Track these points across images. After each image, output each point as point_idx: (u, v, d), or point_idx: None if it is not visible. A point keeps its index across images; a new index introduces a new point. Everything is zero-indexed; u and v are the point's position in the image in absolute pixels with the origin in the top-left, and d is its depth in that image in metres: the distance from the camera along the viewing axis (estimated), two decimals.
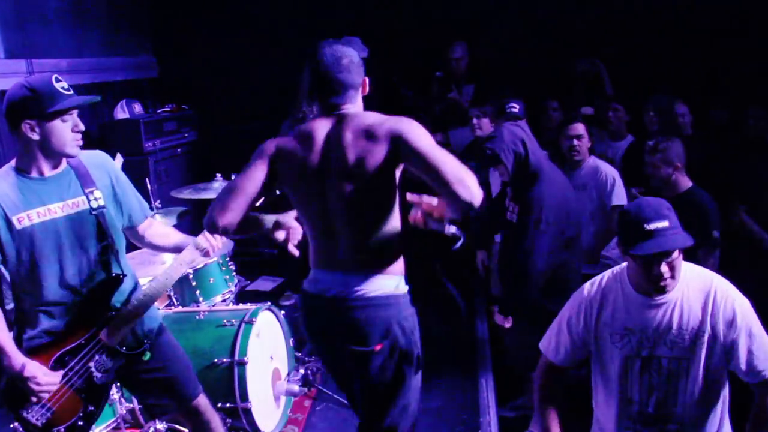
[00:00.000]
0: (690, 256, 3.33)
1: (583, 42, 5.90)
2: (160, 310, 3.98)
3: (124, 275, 2.69)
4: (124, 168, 3.05)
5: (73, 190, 2.57)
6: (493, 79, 5.81)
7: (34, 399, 2.48)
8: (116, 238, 2.68)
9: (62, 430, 2.55)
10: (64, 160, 2.58)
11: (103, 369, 2.62)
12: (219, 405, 3.51)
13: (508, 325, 3.66)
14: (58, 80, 2.47)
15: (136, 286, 2.81)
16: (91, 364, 2.60)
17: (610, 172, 4.30)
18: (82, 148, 2.59)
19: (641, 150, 4.01)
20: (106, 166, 2.73)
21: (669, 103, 4.65)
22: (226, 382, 3.54)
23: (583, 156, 4.29)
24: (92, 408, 2.62)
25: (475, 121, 4.90)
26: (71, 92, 2.48)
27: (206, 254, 2.81)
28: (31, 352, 2.52)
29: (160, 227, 2.99)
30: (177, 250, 2.87)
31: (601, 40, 5.86)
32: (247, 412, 3.56)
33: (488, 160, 3.59)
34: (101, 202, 2.61)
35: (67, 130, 2.47)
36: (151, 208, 4.19)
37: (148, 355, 2.75)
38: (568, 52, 5.85)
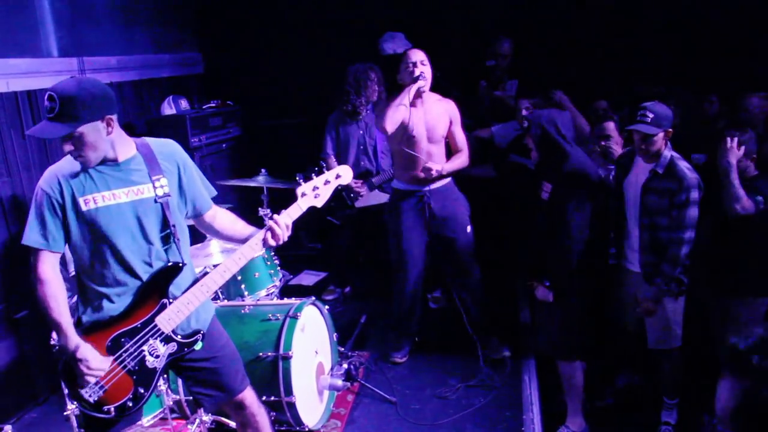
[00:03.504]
0: None
1: (628, 41, 5.81)
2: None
3: (184, 264, 2.73)
4: None
5: (140, 177, 2.64)
6: (538, 75, 5.74)
7: (80, 381, 2.55)
8: (179, 227, 2.74)
9: (112, 408, 2.62)
10: (134, 147, 2.66)
11: (156, 354, 2.68)
12: (264, 398, 3.55)
13: (551, 299, 3.71)
14: (47, 99, 2.49)
15: (193, 275, 2.86)
16: (145, 347, 2.66)
17: None
18: (151, 136, 2.76)
19: None
20: (175, 155, 2.78)
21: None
22: (271, 375, 3.58)
23: (616, 154, 4.19)
24: (142, 390, 2.67)
25: (525, 113, 4.86)
26: (51, 114, 2.47)
27: (275, 245, 2.83)
28: (89, 330, 2.60)
29: (227, 216, 2.99)
30: (244, 241, 2.87)
31: (648, 39, 5.76)
32: (291, 406, 3.59)
33: (525, 131, 3.83)
34: (166, 190, 2.68)
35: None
36: None
37: (200, 345, 2.79)
38: (619, 51, 5.78)
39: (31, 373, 4.33)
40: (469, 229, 4.49)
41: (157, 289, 2.68)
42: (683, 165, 3.50)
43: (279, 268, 4.49)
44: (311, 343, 3.90)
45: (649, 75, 5.65)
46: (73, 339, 2.53)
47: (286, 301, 4.04)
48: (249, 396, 3.00)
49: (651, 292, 3.57)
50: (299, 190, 2.89)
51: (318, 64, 6.53)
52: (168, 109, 6.17)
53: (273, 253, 4.46)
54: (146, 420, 3.64)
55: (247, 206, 5.42)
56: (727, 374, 1.54)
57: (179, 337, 2.74)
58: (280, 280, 4.47)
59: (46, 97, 2.44)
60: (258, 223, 5.11)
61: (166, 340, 2.70)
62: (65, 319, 2.54)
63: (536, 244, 3.88)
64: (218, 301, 4.17)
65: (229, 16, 6.92)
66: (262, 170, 4.79)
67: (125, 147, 2.64)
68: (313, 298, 4.02)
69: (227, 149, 6.32)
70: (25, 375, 4.31)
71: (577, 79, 5.54)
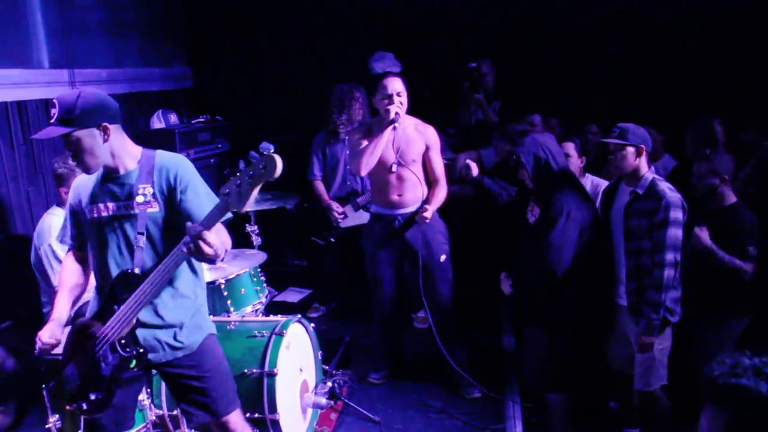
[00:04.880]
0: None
1: (617, 64, 5.92)
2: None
3: (134, 272, 2.71)
4: None
5: (126, 192, 2.74)
6: (521, 96, 5.83)
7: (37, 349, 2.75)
8: (152, 236, 2.74)
9: (73, 405, 2.75)
10: (137, 159, 2.77)
11: (106, 360, 2.72)
12: (247, 415, 3.53)
13: (508, 291, 3.81)
14: (51, 105, 2.67)
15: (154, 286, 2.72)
16: (101, 351, 2.72)
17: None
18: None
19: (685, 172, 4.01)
20: (174, 170, 2.75)
21: (709, 122, 4.58)
22: (255, 392, 3.57)
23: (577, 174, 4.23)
24: (94, 396, 2.71)
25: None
26: (51, 121, 2.65)
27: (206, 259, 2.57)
28: (77, 321, 2.85)
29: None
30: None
31: (636, 62, 5.86)
32: (275, 424, 3.58)
33: (514, 163, 3.72)
34: (149, 198, 2.72)
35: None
36: None
37: (133, 363, 2.75)
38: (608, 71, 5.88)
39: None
40: (443, 258, 4.35)
41: (116, 295, 2.74)
42: (664, 185, 3.46)
43: (265, 285, 4.49)
44: (296, 361, 3.89)
45: (631, 99, 5.75)
46: (53, 316, 2.79)
47: (272, 318, 4.04)
48: (234, 420, 2.97)
49: (641, 325, 3.44)
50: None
51: (308, 81, 6.56)
52: (157, 122, 6.18)
53: (260, 270, 4.46)
54: None
55: (234, 221, 5.42)
56: (708, 404, 1.51)
57: (120, 349, 2.71)
58: (266, 297, 4.47)
59: (51, 101, 2.63)
60: (245, 239, 5.09)
61: (113, 348, 2.72)
62: (60, 301, 2.83)
63: (521, 269, 3.87)
64: None
65: (219, 32, 6.96)
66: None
67: (128, 159, 2.76)
68: (299, 315, 4.03)
69: (215, 164, 6.32)
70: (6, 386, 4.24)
71: (560, 101, 5.63)
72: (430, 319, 4.40)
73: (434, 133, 4.30)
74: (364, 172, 4.19)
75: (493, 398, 4.35)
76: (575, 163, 4.22)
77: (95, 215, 2.77)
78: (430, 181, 4.33)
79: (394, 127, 4.12)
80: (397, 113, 4.04)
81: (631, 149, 3.47)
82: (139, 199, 2.71)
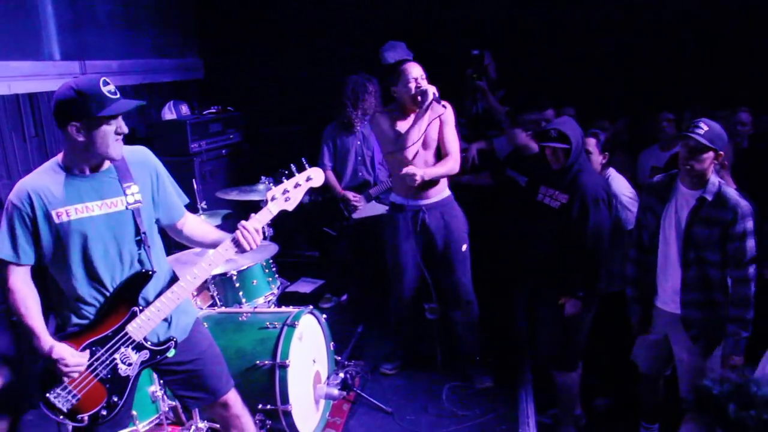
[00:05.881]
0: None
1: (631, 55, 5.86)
2: (203, 310, 4.04)
3: (154, 271, 2.70)
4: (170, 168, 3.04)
5: (112, 189, 2.63)
6: (528, 88, 5.79)
7: (66, 380, 2.56)
8: (150, 234, 2.72)
9: (86, 417, 2.61)
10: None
11: (128, 362, 2.67)
12: (259, 406, 3.56)
13: (574, 310, 3.63)
14: (105, 83, 2.49)
15: (169, 282, 2.81)
16: (117, 355, 2.65)
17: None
18: (126, 144, 2.67)
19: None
20: (147, 164, 2.77)
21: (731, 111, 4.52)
22: (268, 384, 3.57)
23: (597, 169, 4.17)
24: (116, 399, 2.66)
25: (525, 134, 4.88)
26: (117, 96, 2.50)
27: (242, 251, 2.78)
28: (62, 339, 2.60)
29: (197, 223, 3.00)
30: (214, 246, 2.85)
31: (641, 56, 5.81)
32: (288, 415, 3.58)
33: (554, 140, 3.57)
34: (138, 197, 2.66)
35: (111, 134, 2.51)
36: (197, 209, 4.26)
37: (173, 352, 2.77)
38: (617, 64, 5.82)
39: (28, 376, 4.30)
40: (464, 247, 4.35)
41: (127, 297, 2.67)
42: (733, 192, 3.14)
43: (277, 276, 4.48)
44: (308, 352, 3.89)
45: (641, 93, 5.70)
46: (47, 341, 2.55)
47: (284, 309, 4.03)
48: (233, 397, 3.01)
49: (729, 346, 3.14)
50: (269, 194, 2.86)
51: (319, 72, 6.55)
52: (169, 114, 6.17)
53: (271, 261, 4.45)
54: (141, 425, 3.61)
55: (245, 213, 5.42)
56: (692, 417, 1.43)
57: (150, 344, 2.72)
58: (278, 288, 4.46)
59: (103, 80, 2.48)
60: None
61: (138, 347, 2.69)
62: (38, 324, 2.56)
63: (545, 253, 3.80)
64: (215, 307, 4.16)
65: (230, 23, 6.95)
66: (262, 178, 4.78)
67: None
68: (311, 306, 4.01)
69: (227, 155, 6.32)
70: (22, 377, 4.27)
71: (569, 94, 5.58)
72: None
73: (449, 110, 4.21)
74: (411, 154, 4.11)
75: (506, 387, 4.35)
76: (596, 159, 4.04)
77: (68, 218, 2.54)
78: (441, 155, 4.20)
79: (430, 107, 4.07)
80: (435, 94, 4.00)
81: (711, 154, 3.12)
82: (130, 199, 2.64)
